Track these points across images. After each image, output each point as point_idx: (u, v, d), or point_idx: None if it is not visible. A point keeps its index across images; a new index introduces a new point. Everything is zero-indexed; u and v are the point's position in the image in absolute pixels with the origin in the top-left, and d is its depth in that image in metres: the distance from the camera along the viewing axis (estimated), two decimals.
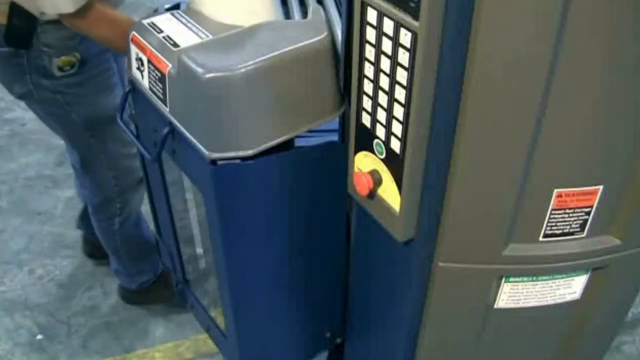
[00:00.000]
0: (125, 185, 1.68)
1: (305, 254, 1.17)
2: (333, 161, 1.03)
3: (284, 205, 1.07)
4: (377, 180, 0.88)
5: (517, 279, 0.94)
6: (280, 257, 1.15)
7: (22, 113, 2.71)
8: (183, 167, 1.13)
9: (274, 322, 1.26)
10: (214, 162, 0.95)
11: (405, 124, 0.79)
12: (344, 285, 1.26)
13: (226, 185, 0.99)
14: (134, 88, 1.15)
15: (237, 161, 0.96)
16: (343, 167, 0.98)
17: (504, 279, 0.94)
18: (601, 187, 0.85)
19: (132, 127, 1.24)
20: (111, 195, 1.68)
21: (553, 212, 0.86)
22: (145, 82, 1.07)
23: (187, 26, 1.06)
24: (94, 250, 2.10)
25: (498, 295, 0.96)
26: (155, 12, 1.14)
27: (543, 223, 0.87)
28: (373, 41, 0.79)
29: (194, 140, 0.98)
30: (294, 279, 1.20)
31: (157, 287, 1.96)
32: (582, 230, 0.89)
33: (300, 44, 0.96)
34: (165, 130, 1.04)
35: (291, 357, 1.35)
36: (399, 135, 0.81)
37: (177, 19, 1.09)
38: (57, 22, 1.29)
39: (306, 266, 1.19)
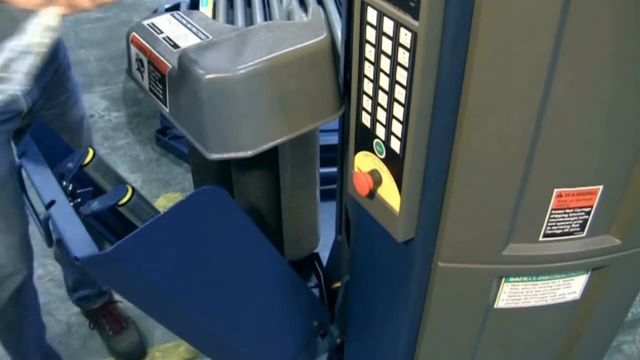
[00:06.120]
0: None
1: (246, 284, 1.10)
2: (207, 209, 0.94)
3: (178, 268, 0.97)
4: (377, 180, 0.88)
5: (517, 279, 0.94)
6: (219, 303, 1.07)
7: None
8: None
9: (250, 345, 1.23)
10: (76, 259, 0.85)
11: (405, 124, 0.79)
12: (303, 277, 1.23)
13: (100, 273, 0.93)
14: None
15: (97, 252, 0.85)
16: (226, 209, 0.94)
17: (504, 279, 0.94)
18: (601, 187, 0.85)
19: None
20: None
21: (553, 211, 0.86)
22: (145, 83, 1.07)
23: (187, 27, 1.06)
24: None
25: (498, 295, 0.96)
26: (155, 12, 1.14)
27: (543, 223, 0.87)
28: (373, 41, 0.79)
29: (194, 141, 0.98)
30: (249, 310, 1.14)
31: None
32: (582, 230, 0.89)
33: (300, 45, 0.96)
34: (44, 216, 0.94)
35: (283, 356, 1.35)
36: (399, 135, 0.81)
37: (177, 19, 1.09)
38: None
39: (256, 292, 1.13)
